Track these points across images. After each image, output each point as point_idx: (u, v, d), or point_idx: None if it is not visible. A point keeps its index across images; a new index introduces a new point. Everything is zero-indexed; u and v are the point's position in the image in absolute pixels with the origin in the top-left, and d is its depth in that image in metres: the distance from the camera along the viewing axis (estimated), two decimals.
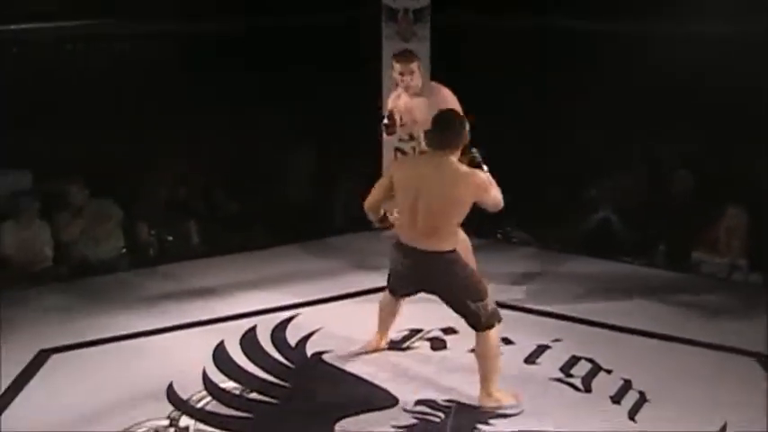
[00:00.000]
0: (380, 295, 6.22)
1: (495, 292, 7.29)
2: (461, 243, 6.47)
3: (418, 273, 5.55)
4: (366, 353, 6.27)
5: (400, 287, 5.87)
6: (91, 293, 7.67)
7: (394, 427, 5.34)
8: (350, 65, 9.24)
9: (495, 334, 5.58)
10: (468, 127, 5.59)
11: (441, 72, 8.78)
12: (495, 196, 5.49)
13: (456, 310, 5.60)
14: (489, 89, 9.10)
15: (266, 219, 9.35)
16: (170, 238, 8.87)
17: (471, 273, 5.65)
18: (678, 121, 8.86)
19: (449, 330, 6.68)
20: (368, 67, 9.20)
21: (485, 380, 5.60)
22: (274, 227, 9.24)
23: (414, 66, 6.82)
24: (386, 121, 6.87)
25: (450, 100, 6.68)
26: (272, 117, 9.43)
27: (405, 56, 6.92)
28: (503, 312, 6.93)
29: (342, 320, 6.86)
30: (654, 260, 8.61)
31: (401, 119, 6.92)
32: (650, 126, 9.04)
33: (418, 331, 6.68)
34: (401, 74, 6.82)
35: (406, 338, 6.58)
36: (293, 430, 5.30)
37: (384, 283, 6.07)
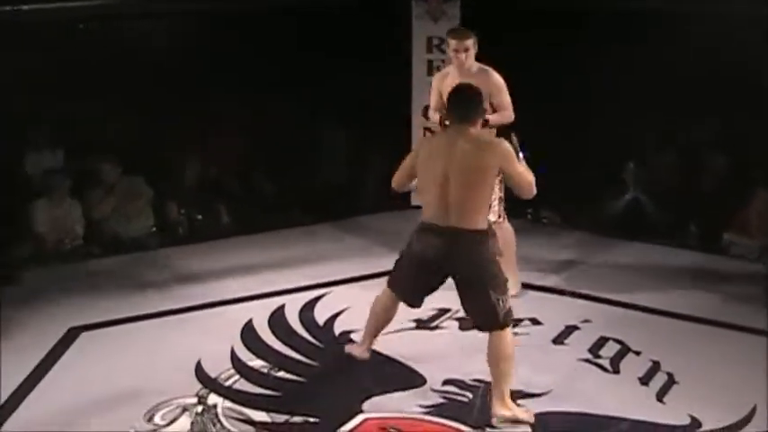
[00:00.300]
0: None
1: (523, 273, 7.39)
2: (506, 232, 6.66)
3: (446, 255, 5.11)
4: (390, 333, 6.01)
5: (415, 284, 5.40)
6: (121, 271, 7.72)
7: (421, 406, 5.35)
8: (380, 45, 9.20)
9: (510, 334, 5.19)
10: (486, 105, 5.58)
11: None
12: (523, 174, 5.23)
13: (472, 303, 5.18)
14: (521, 68, 9.04)
15: (297, 198, 9.37)
16: (200, 217, 8.89)
17: (498, 263, 5.24)
18: (712, 103, 8.79)
19: None
20: (399, 47, 9.18)
21: (499, 385, 5.19)
22: (305, 206, 9.27)
23: (469, 43, 6.55)
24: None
25: (500, 83, 6.57)
26: (303, 97, 9.41)
27: (460, 32, 6.68)
28: (531, 294, 7.00)
29: (370, 300, 6.86)
30: (684, 241, 8.56)
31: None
32: (684, 107, 8.97)
33: (446, 311, 6.67)
34: (456, 50, 6.54)
35: (434, 318, 6.58)
36: (320, 409, 5.30)
37: None
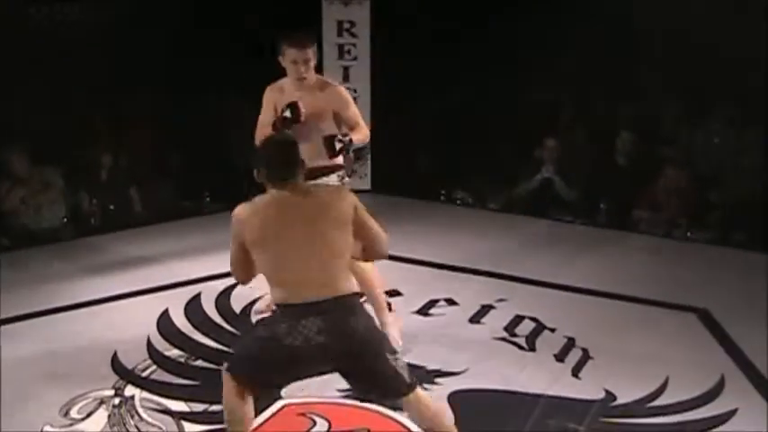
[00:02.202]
0: None
1: (439, 254, 7.44)
2: (364, 273, 5.70)
3: (335, 333, 4.18)
4: None
5: (281, 380, 4.56)
6: (33, 264, 7.60)
7: (339, 390, 5.34)
8: (289, 28, 9.14)
9: (427, 397, 4.47)
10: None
11: (382, 31, 8.83)
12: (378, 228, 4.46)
13: (371, 376, 4.30)
14: (432, 43, 9.10)
15: (211, 184, 9.31)
16: (112, 206, 8.80)
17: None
18: (623, 80, 8.93)
19: (393, 293, 6.66)
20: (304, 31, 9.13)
21: None
22: (220, 193, 9.20)
23: (310, 52, 5.64)
24: (287, 113, 5.52)
25: (347, 96, 5.78)
26: (211, 82, 9.34)
27: (299, 39, 5.65)
28: (447, 273, 7.04)
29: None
30: (595, 219, 8.69)
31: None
32: (596, 84, 9.09)
33: (361, 294, 6.66)
34: (294, 62, 5.60)
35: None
36: None
37: None
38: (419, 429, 4.59)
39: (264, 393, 4.75)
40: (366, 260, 4.76)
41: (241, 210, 4.32)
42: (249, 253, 4.28)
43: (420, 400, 4.33)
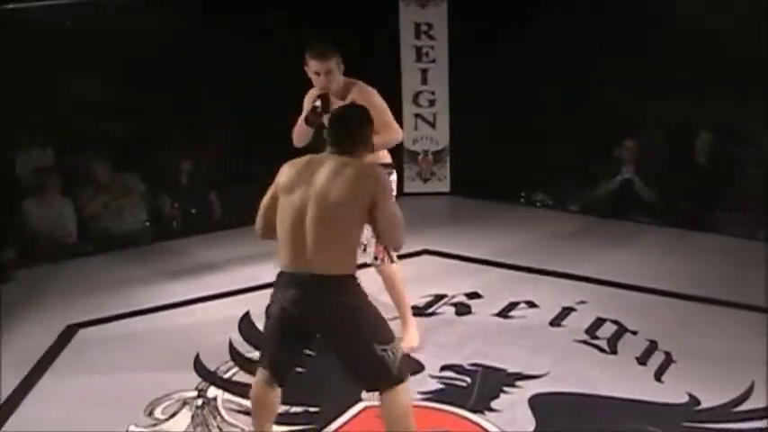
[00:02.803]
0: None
1: (519, 256, 7.40)
2: (390, 277, 5.89)
3: (305, 309, 4.24)
4: (393, 318, 5.84)
5: (279, 353, 4.41)
6: (116, 268, 7.72)
7: (420, 393, 5.35)
8: (368, 31, 9.16)
9: (406, 390, 4.35)
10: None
11: (460, 32, 8.79)
12: (396, 215, 4.33)
13: (354, 362, 4.30)
14: (512, 44, 9.06)
15: None
16: (193, 210, 8.89)
17: (375, 309, 4.39)
18: (703, 82, 8.80)
19: (473, 295, 6.69)
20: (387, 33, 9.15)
21: None
22: None
23: (332, 63, 5.66)
24: (318, 103, 5.61)
25: (375, 100, 5.72)
26: (292, 86, 9.37)
27: (320, 51, 5.69)
28: (527, 276, 7.00)
29: (368, 287, 6.86)
30: (676, 220, 8.58)
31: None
32: (675, 85, 8.98)
33: (442, 297, 6.69)
34: (316, 73, 5.68)
35: (430, 304, 6.59)
36: (320, 398, 5.31)
37: None
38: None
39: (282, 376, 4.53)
40: (381, 244, 4.90)
41: (289, 163, 4.48)
42: (273, 201, 4.41)
43: (398, 400, 4.27)
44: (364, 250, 5.63)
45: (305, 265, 4.20)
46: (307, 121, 5.68)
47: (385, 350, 4.21)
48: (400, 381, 4.26)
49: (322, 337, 4.38)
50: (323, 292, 4.20)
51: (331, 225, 4.19)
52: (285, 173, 4.40)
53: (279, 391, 4.45)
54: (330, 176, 4.24)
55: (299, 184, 4.28)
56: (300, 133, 5.81)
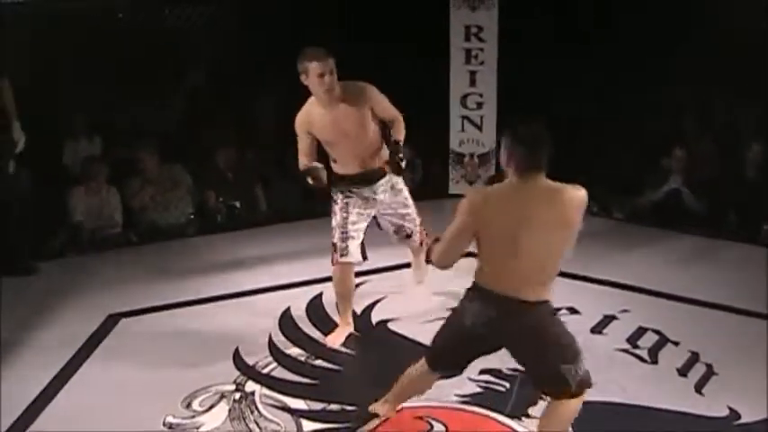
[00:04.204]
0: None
1: (562, 262, 7.34)
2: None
3: (502, 331, 4.38)
4: (427, 321, 5.93)
5: (461, 358, 4.66)
6: (159, 259, 7.77)
7: (458, 395, 5.34)
8: (418, 33, 9.16)
9: (577, 405, 4.49)
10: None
11: (510, 35, 8.76)
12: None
13: (536, 375, 4.49)
14: (558, 47, 9.03)
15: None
16: (238, 204, 8.92)
17: (563, 327, 4.52)
18: (754, 92, 8.73)
19: None
20: (437, 35, 9.14)
21: None
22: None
23: (332, 62, 5.59)
24: (310, 181, 5.76)
25: (376, 91, 5.79)
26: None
27: (320, 53, 5.58)
28: (569, 282, 6.96)
29: (407, 288, 6.87)
30: (723, 231, 8.50)
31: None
32: (723, 93, 8.92)
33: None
34: (321, 75, 5.54)
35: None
36: (357, 398, 5.29)
37: None
38: None
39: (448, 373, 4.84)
40: None
41: (477, 195, 4.47)
42: (469, 236, 4.38)
43: (566, 412, 4.44)
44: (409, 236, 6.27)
45: (512, 290, 4.30)
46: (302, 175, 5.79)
47: (569, 368, 4.33)
48: (577, 395, 4.40)
49: (509, 351, 4.49)
50: (524, 317, 4.32)
51: (548, 252, 4.30)
52: (480, 205, 4.34)
53: (434, 378, 4.76)
54: (545, 207, 4.27)
55: (508, 213, 4.27)
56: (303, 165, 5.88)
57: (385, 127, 5.92)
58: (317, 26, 9.13)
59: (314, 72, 5.56)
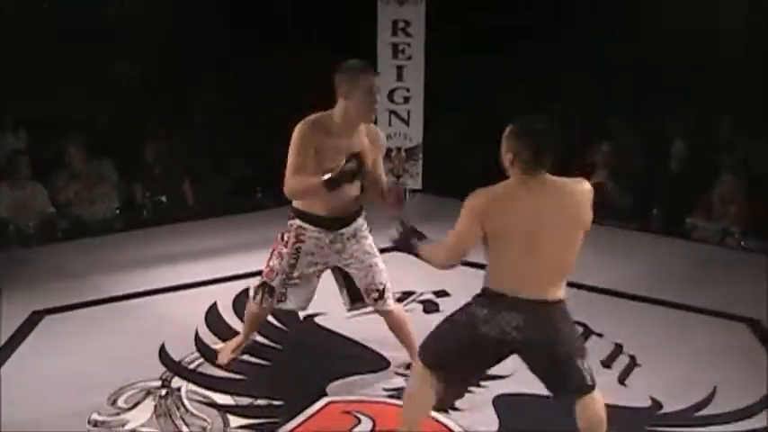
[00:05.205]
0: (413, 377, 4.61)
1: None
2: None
3: (531, 335, 4.23)
4: (355, 316, 5.82)
5: (476, 369, 4.66)
6: (85, 255, 7.69)
7: (385, 390, 5.36)
8: (344, 28, 9.17)
9: (601, 396, 4.40)
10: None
11: (436, 29, 8.79)
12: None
13: (557, 375, 4.35)
14: (485, 42, 9.09)
15: (263, 180, 9.36)
16: (164, 199, 8.87)
17: (574, 323, 4.45)
18: (677, 87, 8.87)
19: (441, 293, 6.71)
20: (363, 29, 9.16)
21: None
22: (269, 189, 9.26)
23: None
24: (352, 166, 4.85)
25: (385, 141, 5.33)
26: (264, 80, 9.40)
27: (370, 66, 5.12)
28: None
29: (334, 283, 6.87)
30: (648, 225, 8.63)
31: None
32: (649, 91, 9.04)
33: (411, 293, 6.70)
34: (369, 91, 4.98)
35: (398, 301, 6.58)
36: (285, 392, 5.30)
37: None
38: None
39: (453, 384, 4.74)
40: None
41: (484, 196, 4.23)
42: (474, 237, 4.23)
43: (598, 404, 4.36)
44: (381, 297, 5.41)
45: (533, 292, 4.19)
46: (330, 185, 4.88)
47: (583, 363, 4.27)
48: (593, 388, 4.31)
49: (532, 356, 4.34)
50: (549, 316, 4.23)
51: (560, 252, 4.21)
52: (487, 205, 4.19)
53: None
54: (557, 207, 4.18)
55: (521, 212, 4.15)
56: (308, 193, 5.07)
57: None
58: (245, 22, 9.15)
59: (365, 84, 4.95)
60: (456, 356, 4.35)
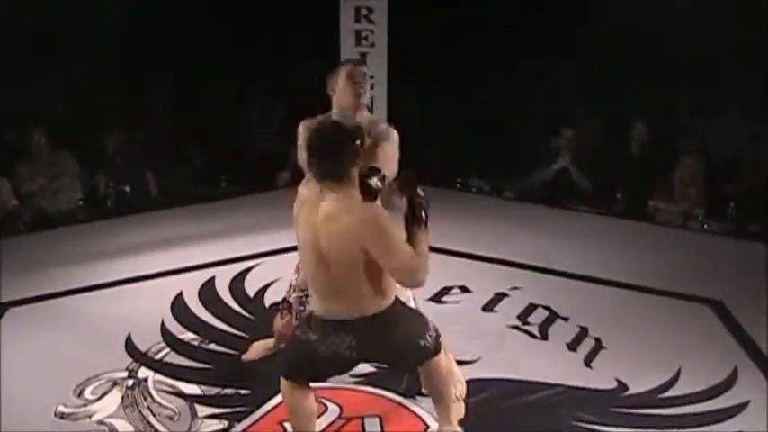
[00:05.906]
0: None
1: (453, 242, 7.43)
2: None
3: (365, 349, 4.17)
4: None
5: (327, 373, 4.48)
6: (49, 246, 7.65)
7: (352, 376, 5.34)
8: (307, 15, 9.15)
9: (444, 355, 4.44)
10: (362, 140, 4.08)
11: (399, 16, 8.78)
12: (401, 251, 4.01)
13: (401, 362, 4.50)
14: (449, 30, 9.10)
15: (227, 169, 9.35)
16: (128, 189, 8.82)
17: (411, 309, 4.45)
18: (638, 71, 8.92)
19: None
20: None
21: (448, 413, 4.54)
22: (234, 178, 9.25)
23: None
24: (376, 182, 4.34)
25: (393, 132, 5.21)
26: (230, 67, 9.38)
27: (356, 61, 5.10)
28: (461, 261, 7.04)
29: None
30: (611, 209, 8.68)
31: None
32: (609, 76, 9.08)
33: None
34: (355, 81, 4.96)
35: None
36: (252, 381, 5.29)
37: None
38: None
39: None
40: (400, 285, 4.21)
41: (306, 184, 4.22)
42: None
43: (439, 367, 4.37)
44: None
45: (348, 311, 4.09)
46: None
47: (426, 340, 4.26)
48: (436, 353, 4.32)
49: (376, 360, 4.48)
50: (379, 331, 4.12)
51: (343, 265, 4.00)
52: (295, 219, 4.15)
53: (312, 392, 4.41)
54: (325, 226, 3.99)
55: (303, 234, 4.09)
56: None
57: None
58: (205, 9, 9.11)
59: (350, 71, 4.97)
60: (304, 370, 4.32)
